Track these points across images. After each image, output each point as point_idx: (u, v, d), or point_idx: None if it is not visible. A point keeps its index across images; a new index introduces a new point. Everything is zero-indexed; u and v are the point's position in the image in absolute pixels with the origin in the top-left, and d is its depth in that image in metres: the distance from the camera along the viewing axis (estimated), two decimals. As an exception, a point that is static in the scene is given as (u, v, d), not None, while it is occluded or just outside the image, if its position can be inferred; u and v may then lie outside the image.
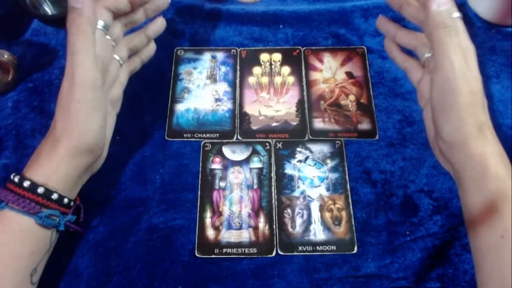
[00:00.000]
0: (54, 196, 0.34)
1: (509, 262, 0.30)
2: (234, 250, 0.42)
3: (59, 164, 0.35)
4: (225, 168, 0.46)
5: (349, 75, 0.52)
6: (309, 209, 0.44)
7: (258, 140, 0.48)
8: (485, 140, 0.34)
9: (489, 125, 0.36)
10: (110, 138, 0.40)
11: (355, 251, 0.42)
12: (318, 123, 0.49)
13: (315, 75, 0.52)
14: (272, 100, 0.50)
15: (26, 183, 0.34)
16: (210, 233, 0.42)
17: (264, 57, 0.53)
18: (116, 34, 0.40)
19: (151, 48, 0.46)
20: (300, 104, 0.50)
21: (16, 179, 0.34)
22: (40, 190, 0.34)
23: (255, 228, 0.43)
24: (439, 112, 0.36)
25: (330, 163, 0.46)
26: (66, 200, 0.36)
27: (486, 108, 0.37)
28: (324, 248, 0.42)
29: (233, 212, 0.44)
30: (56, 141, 0.35)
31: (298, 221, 0.43)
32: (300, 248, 0.42)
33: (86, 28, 0.34)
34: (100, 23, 0.37)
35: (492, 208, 0.32)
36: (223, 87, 0.51)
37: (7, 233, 0.33)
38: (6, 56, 0.49)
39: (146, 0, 0.41)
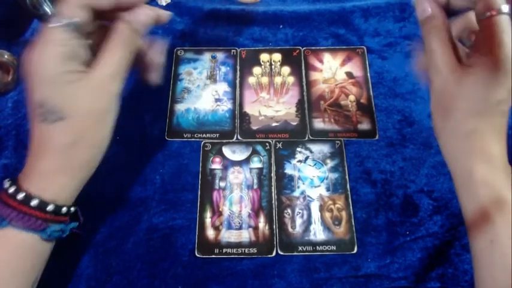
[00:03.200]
0: (63, 210, 0.33)
1: (500, 266, 0.30)
2: (234, 250, 0.42)
3: (72, 178, 0.34)
4: (225, 168, 0.46)
5: (349, 75, 0.52)
6: (309, 209, 0.44)
7: (258, 140, 0.48)
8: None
9: None
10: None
11: (355, 251, 0.42)
12: (318, 123, 0.49)
13: (315, 76, 0.52)
14: (272, 100, 0.50)
15: (34, 202, 0.31)
16: (210, 233, 0.42)
17: (264, 57, 0.53)
18: None
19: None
20: (300, 104, 0.50)
21: (20, 197, 0.31)
22: (50, 208, 0.32)
23: (255, 228, 0.43)
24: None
25: (330, 163, 0.46)
26: (72, 209, 0.35)
27: None
28: (324, 248, 0.42)
29: (233, 212, 0.44)
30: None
31: (298, 221, 0.43)
32: (300, 248, 0.42)
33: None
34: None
35: (484, 215, 0.31)
36: (223, 87, 0.51)
37: (8, 250, 0.31)
38: (6, 56, 0.49)
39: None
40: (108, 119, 0.34)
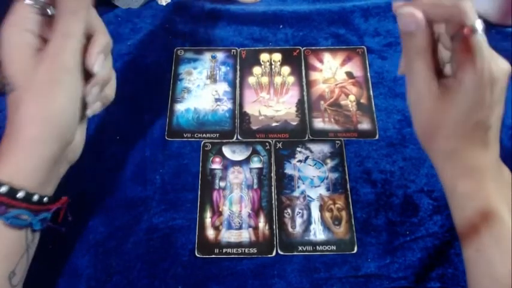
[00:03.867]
0: (20, 194, 0.31)
1: (486, 275, 0.30)
2: (234, 250, 0.42)
3: (25, 157, 0.32)
4: (225, 168, 0.46)
5: (349, 75, 0.52)
6: (309, 209, 0.44)
7: (258, 140, 0.48)
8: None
9: None
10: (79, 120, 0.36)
11: (355, 251, 0.42)
12: (318, 123, 0.49)
13: (315, 75, 0.52)
14: (272, 100, 0.50)
15: None
16: (210, 233, 0.42)
17: (264, 57, 0.53)
18: None
19: None
20: (300, 104, 0.50)
21: None
22: (3, 189, 0.30)
23: (255, 228, 0.43)
24: None
25: (330, 163, 0.46)
26: (36, 197, 0.32)
27: None
28: (324, 248, 0.42)
29: (233, 212, 0.44)
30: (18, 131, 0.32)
31: (298, 221, 0.43)
32: (300, 248, 0.42)
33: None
34: None
35: (471, 227, 0.31)
36: (223, 87, 0.51)
37: None
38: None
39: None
40: (59, 93, 0.32)
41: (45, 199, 0.33)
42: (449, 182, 0.33)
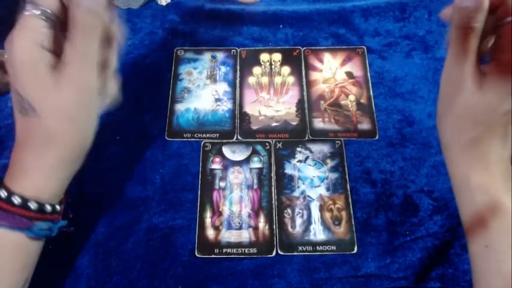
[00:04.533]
0: (48, 208, 0.32)
1: (495, 272, 0.30)
2: (234, 250, 0.42)
3: (51, 175, 0.32)
4: (225, 168, 0.46)
5: (349, 75, 0.52)
6: (309, 209, 0.44)
7: (258, 140, 0.48)
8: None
9: None
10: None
11: (355, 251, 0.42)
12: (318, 123, 0.49)
13: (315, 75, 0.52)
14: (272, 100, 0.50)
15: (17, 200, 0.31)
16: (210, 233, 0.42)
17: (264, 57, 0.53)
18: None
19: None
20: (300, 104, 0.50)
21: (2, 195, 0.31)
22: (33, 206, 0.31)
23: (255, 228, 0.43)
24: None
25: (330, 163, 0.46)
26: (58, 208, 0.34)
27: None
28: (324, 248, 0.42)
29: (233, 212, 0.44)
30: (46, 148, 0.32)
31: (298, 221, 0.43)
32: (300, 248, 0.42)
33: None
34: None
35: (480, 221, 0.31)
36: (223, 87, 0.51)
37: None
38: (6, 56, 0.48)
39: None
40: (85, 114, 0.32)
41: (62, 207, 0.34)
42: (461, 174, 0.32)
